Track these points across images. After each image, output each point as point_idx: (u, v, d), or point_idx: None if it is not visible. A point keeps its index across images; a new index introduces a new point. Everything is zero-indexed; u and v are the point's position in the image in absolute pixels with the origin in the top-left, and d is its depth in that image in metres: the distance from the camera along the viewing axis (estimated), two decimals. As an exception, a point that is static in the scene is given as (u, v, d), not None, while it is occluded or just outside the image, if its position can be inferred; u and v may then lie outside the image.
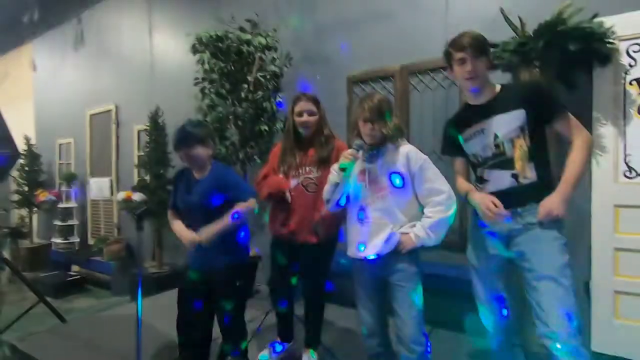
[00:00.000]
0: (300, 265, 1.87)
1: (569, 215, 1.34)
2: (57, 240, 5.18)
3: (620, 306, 1.98)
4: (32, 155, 5.43)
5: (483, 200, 1.38)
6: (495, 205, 1.34)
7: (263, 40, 2.82)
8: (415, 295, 1.40)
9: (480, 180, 1.46)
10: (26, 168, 5.33)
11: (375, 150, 1.48)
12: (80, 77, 5.43)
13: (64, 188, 5.30)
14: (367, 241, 1.43)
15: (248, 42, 2.80)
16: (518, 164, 1.35)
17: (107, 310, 3.15)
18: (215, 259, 1.62)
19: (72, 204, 5.26)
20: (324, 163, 1.80)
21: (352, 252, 1.50)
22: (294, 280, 1.92)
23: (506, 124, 1.36)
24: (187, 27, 3.60)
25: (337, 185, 1.43)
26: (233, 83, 2.86)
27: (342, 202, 1.52)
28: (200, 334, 1.71)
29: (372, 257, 1.42)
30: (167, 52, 4.30)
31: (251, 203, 1.66)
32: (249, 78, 2.78)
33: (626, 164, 1.97)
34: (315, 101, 1.85)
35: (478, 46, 1.35)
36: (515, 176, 1.36)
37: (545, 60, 1.96)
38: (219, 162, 1.81)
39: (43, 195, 5.10)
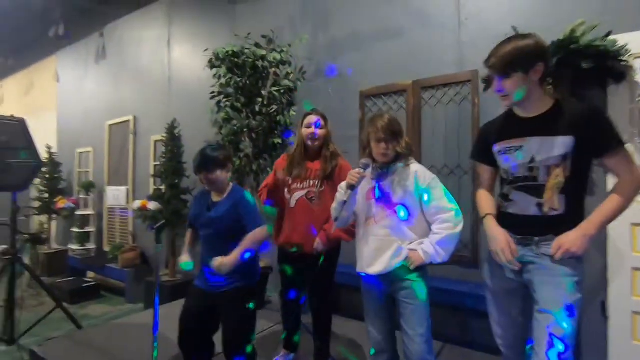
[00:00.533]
0: (306, 277, 1.91)
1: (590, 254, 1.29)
2: (74, 246, 5.31)
3: (638, 327, 1.93)
4: (53, 164, 5.61)
5: (500, 240, 1.31)
6: (512, 253, 1.28)
7: (278, 56, 2.90)
8: (423, 312, 1.41)
9: (505, 198, 1.37)
10: (47, 176, 5.51)
11: (385, 169, 1.50)
12: (101, 88, 5.63)
13: (82, 196, 5.46)
14: (376, 258, 1.45)
15: (263, 58, 2.88)
16: (547, 194, 1.25)
17: (121, 318, 3.20)
18: (219, 279, 1.63)
19: (90, 211, 5.40)
20: (328, 178, 1.87)
21: (360, 267, 1.52)
22: (302, 291, 1.95)
23: (548, 149, 1.24)
24: (204, 42, 3.72)
25: (344, 203, 1.46)
26: (248, 97, 2.94)
27: (350, 219, 1.55)
28: (202, 351, 1.72)
29: (380, 274, 1.43)
30: (185, 66, 4.44)
31: (263, 232, 1.68)
32: (264, 92, 2.85)
33: (643, 182, 1.94)
34: (324, 117, 1.94)
35: (504, 66, 1.23)
36: (539, 205, 1.26)
37: (558, 78, 1.97)
38: (237, 185, 1.85)
39: (62, 203, 5.26)
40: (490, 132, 1.44)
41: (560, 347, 1.16)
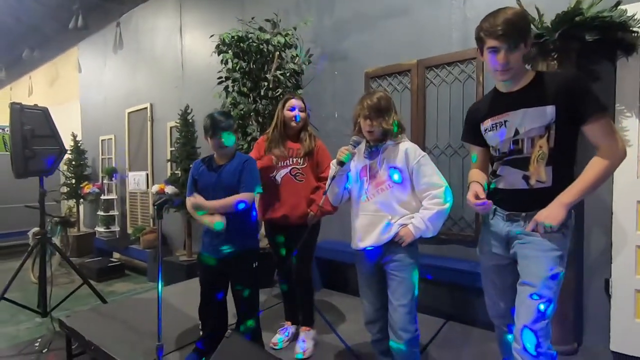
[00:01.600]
0: (290, 248, 2.04)
1: (573, 216, 1.27)
2: (100, 229, 5.63)
3: (641, 306, 1.91)
4: (78, 151, 5.91)
5: (469, 191, 1.35)
6: (478, 197, 1.30)
7: (282, 39, 2.91)
8: (409, 285, 1.46)
9: (494, 174, 1.39)
10: (73, 163, 5.82)
11: (375, 147, 1.54)
12: (120, 77, 5.82)
13: (106, 181, 5.74)
14: (367, 233, 1.50)
15: (267, 42, 2.91)
16: (532, 166, 1.25)
17: (142, 293, 3.42)
18: (228, 245, 1.76)
19: (114, 195, 5.69)
20: (309, 156, 2.04)
21: (354, 244, 1.58)
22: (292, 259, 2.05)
23: (530, 120, 1.23)
24: (214, 29, 3.78)
25: (333, 178, 1.51)
26: (254, 81, 2.99)
27: (345, 196, 1.60)
28: (218, 317, 1.87)
29: (371, 248, 1.49)
30: (196, 52, 4.52)
31: (250, 197, 1.78)
32: (268, 76, 2.89)
33: (651, 158, 1.88)
34: (304, 101, 2.11)
35: (516, 35, 1.17)
36: (526, 178, 1.27)
37: (562, 52, 1.91)
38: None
39: (88, 188, 5.56)
40: (476, 112, 1.44)
41: (538, 317, 1.18)
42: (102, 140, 6.22)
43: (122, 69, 5.78)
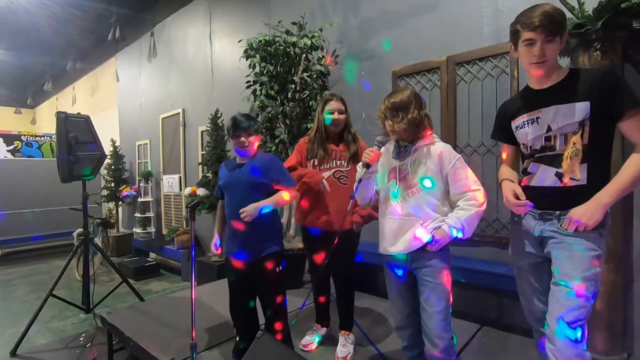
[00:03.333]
0: (333, 253, 1.96)
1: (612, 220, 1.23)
2: (138, 230, 5.91)
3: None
4: (117, 156, 6.24)
5: (506, 190, 1.33)
6: (517, 197, 1.28)
7: (308, 42, 2.93)
8: (443, 290, 1.40)
9: (525, 172, 1.37)
10: (112, 167, 6.15)
11: (404, 148, 1.50)
12: (154, 84, 6.09)
13: (142, 184, 6.01)
14: (397, 238, 1.46)
15: (294, 44, 2.93)
16: (565, 163, 1.22)
17: (176, 292, 3.55)
18: (250, 249, 1.76)
19: (149, 198, 5.95)
20: (353, 158, 1.96)
21: (383, 248, 1.53)
22: (329, 267, 2.02)
23: (564, 117, 1.21)
24: (242, 34, 3.86)
25: (360, 181, 1.48)
26: (281, 84, 3.03)
27: (373, 198, 1.57)
28: (248, 318, 1.89)
29: (401, 254, 1.45)
30: (225, 58, 4.64)
31: (294, 193, 1.79)
32: (295, 78, 2.92)
33: None
34: (344, 102, 2.01)
35: (553, 26, 1.17)
36: (559, 175, 1.24)
37: (606, 41, 1.79)
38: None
39: (125, 191, 5.85)
40: (508, 110, 1.43)
41: (573, 309, 1.15)
42: (138, 145, 6.52)
43: (156, 77, 6.04)
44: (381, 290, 2.75)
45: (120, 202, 6.17)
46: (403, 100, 1.44)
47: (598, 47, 1.82)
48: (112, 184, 6.10)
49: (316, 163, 1.99)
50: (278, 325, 1.81)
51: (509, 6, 2.35)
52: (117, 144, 6.37)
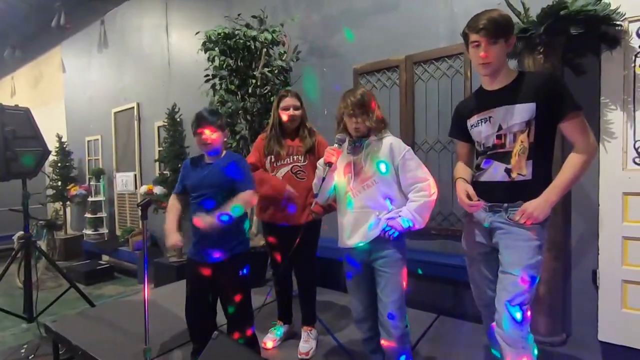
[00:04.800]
0: (289, 248, 1.95)
1: (554, 213, 1.33)
2: (88, 231, 5.54)
3: (628, 295, 1.94)
4: (64, 152, 5.79)
5: (459, 191, 1.42)
6: (470, 197, 1.37)
7: (269, 36, 2.88)
8: (398, 281, 1.45)
9: (478, 168, 1.46)
10: (59, 164, 5.70)
11: (359, 142, 1.53)
12: (105, 77, 5.71)
13: (93, 182, 5.64)
14: (354, 230, 1.48)
15: (254, 38, 2.87)
16: (514, 159, 1.32)
17: (131, 296, 3.37)
18: (215, 250, 1.69)
19: (101, 197, 5.59)
20: (309, 152, 1.99)
21: (342, 242, 1.56)
22: (289, 261, 2.02)
23: (513, 116, 1.31)
24: (201, 26, 3.71)
25: (323, 179, 1.50)
26: (241, 79, 2.95)
27: (331, 194, 1.59)
28: (205, 321, 1.81)
29: (359, 245, 1.48)
30: (183, 51, 4.45)
31: (254, 196, 1.73)
32: (256, 73, 2.86)
33: (636, 150, 1.91)
34: (299, 97, 2.03)
35: (495, 29, 1.26)
36: (508, 171, 1.34)
37: (548, 46, 1.92)
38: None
39: (74, 190, 5.46)
40: (463, 109, 1.52)
41: (518, 295, 1.26)
42: (88, 141, 6.10)
43: (107, 68, 5.67)
44: (342, 285, 2.78)
45: (68, 202, 5.74)
46: (367, 98, 1.48)
47: (541, 50, 1.95)
48: (59, 183, 5.66)
49: (273, 159, 1.99)
50: (245, 328, 1.75)
51: (464, 9, 2.45)
52: (64, 139, 5.91)
